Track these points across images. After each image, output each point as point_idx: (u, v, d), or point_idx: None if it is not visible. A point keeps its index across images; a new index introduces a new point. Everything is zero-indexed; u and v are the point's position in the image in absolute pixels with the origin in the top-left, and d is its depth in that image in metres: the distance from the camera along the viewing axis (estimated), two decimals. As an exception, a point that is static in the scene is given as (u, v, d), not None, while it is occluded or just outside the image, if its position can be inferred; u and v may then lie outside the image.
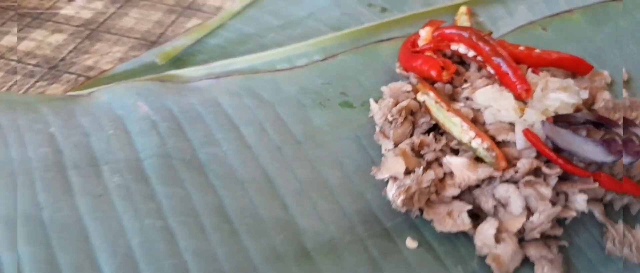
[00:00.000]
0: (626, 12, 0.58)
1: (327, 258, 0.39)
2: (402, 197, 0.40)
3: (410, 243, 0.40)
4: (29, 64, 0.57)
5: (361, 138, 0.48)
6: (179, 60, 0.57)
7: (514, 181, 0.40)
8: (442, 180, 0.42)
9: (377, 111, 0.48)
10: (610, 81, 0.53)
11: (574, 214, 0.41)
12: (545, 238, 0.40)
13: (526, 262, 0.40)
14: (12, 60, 0.57)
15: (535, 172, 0.41)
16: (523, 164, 0.40)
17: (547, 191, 0.39)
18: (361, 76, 0.54)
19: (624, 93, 0.51)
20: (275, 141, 0.47)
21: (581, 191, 0.41)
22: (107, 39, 0.61)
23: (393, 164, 0.41)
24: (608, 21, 0.58)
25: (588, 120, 0.43)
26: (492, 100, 0.45)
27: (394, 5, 0.65)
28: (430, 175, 0.40)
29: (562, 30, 0.57)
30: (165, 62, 0.56)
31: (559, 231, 0.41)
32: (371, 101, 0.50)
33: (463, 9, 0.61)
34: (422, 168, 0.41)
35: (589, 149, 0.41)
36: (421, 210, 0.41)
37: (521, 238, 0.40)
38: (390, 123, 0.46)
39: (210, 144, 0.46)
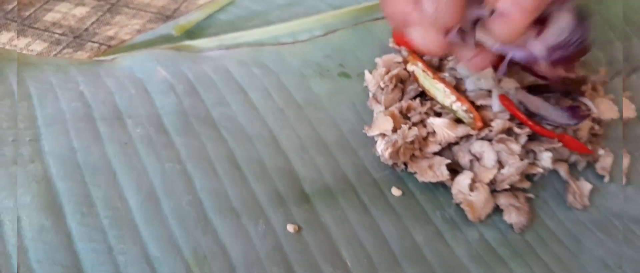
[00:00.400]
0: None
1: (323, 201, 0.44)
2: (389, 150, 0.45)
3: (396, 191, 0.46)
4: (55, 33, 0.62)
5: (356, 105, 0.54)
6: (193, 33, 0.62)
7: (489, 139, 0.46)
8: (425, 139, 0.47)
9: (371, 79, 0.54)
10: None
11: (541, 170, 0.46)
12: (514, 189, 0.46)
13: (497, 210, 0.45)
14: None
15: (508, 132, 0.46)
16: (497, 124, 0.46)
17: (516, 148, 0.45)
18: (358, 50, 0.60)
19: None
20: (279, 104, 0.53)
21: (547, 149, 0.46)
22: (126, 13, 0.66)
23: (383, 123, 0.47)
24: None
25: (557, 90, 0.49)
26: (473, 71, 0.50)
27: (390, -12, 0.70)
28: (415, 131, 0.46)
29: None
30: (180, 34, 0.61)
31: (526, 185, 0.46)
32: (366, 72, 0.55)
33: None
34: (408, 125, 0.46)
35: (556, 114, 0.46)
36: (406, 164, 0.47)
37: (493, 189, 0.46)
38: (382, 89, 0.51)
39: (222, 104, 0.51)
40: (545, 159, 0.46)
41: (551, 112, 0.47)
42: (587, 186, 0.47)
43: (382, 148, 0.46)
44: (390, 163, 0.46)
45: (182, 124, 0.48)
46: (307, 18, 0.64)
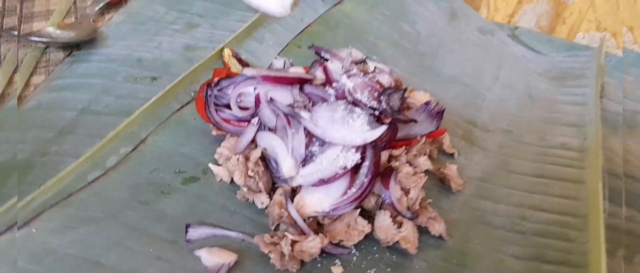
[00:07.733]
0: (346, 14, 0.71)
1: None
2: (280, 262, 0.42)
3: (336, 269, 0.43)
4: None
5: (227, 204, 0.47)
6: None
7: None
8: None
9: (226, 173, 0.48)
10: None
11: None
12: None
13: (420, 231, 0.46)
14: None
15: (389, 160, 0.48)
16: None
17: (410, 169, 0.47)
18: (184, 148, 0.52)
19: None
20: (150, 251, 0.42)
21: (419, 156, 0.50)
22: None
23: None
24: (338, 24, 0.70)
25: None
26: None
27: (160, 72, 0.62)
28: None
29: (311, 40, 0.65)
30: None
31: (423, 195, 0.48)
32: (211, 166, 0.49)
33: (227, 51, 0.64)
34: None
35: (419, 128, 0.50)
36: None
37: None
38: (252, 177, 0.46)
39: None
40: (424, 162, 0.50)
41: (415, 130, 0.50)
42: (453, 168, 0.52)
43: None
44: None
45: None
46: (102, 140, 0.51)
